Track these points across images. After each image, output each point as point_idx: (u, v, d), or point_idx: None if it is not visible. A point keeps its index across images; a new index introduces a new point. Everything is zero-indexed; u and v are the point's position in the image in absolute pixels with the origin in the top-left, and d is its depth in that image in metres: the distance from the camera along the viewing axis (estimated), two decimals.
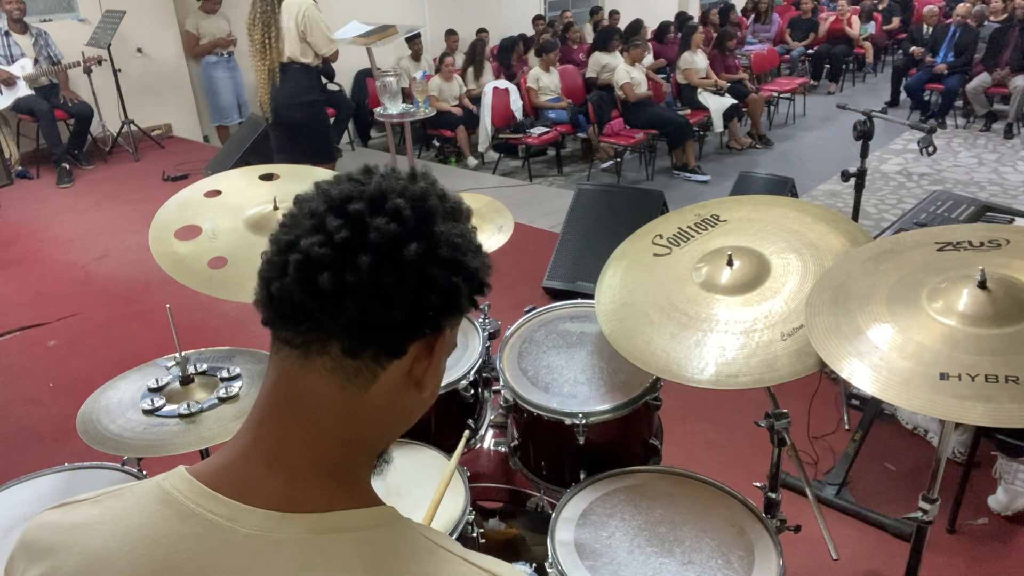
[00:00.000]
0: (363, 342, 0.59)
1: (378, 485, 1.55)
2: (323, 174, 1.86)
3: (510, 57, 8.20)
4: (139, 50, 6.78)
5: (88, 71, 6.05)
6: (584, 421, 1.55)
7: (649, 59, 7.87)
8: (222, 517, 0.56)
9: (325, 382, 0.60)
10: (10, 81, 5.87)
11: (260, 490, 0.58)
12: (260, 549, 0.55)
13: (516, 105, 7.27)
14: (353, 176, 0.63)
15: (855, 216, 2.98)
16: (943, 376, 1.06)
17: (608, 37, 7.76)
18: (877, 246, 1.35)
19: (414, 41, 7.63)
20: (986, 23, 8.45)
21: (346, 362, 0.60)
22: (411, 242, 0.58)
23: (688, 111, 7.17)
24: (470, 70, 7.77)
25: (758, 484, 1.59)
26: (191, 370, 1.51)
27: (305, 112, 4.45)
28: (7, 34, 5.93)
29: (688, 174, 6.73)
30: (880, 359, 1.12)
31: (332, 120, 6.12)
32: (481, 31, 8.33)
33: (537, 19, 9.09)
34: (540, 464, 1.73)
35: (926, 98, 8.19)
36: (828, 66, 9.89)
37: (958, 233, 1.31)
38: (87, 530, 0.58)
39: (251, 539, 0.55)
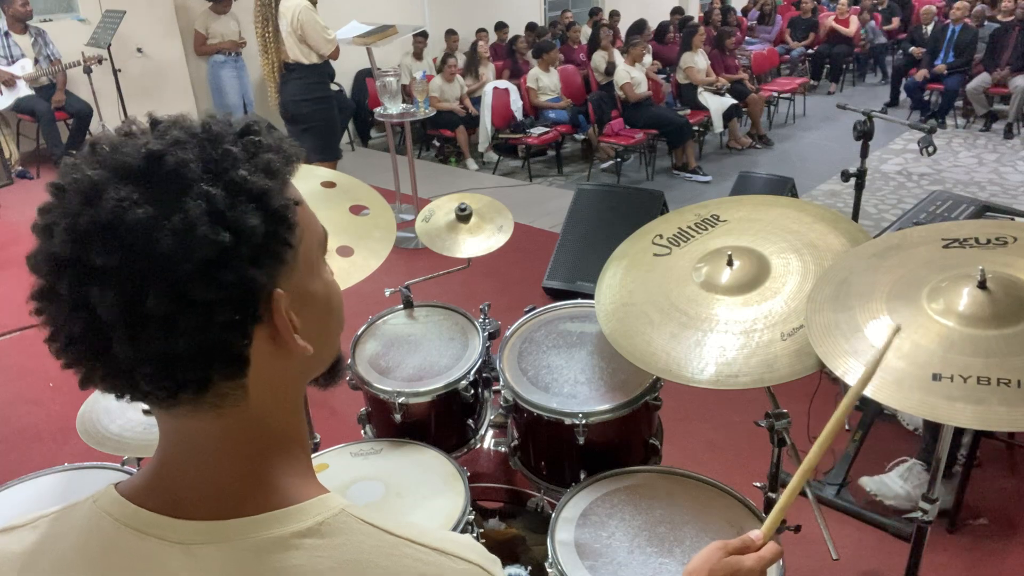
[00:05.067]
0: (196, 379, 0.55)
1: (378, 485, 1.55)
2: (324, 173, 1.86)
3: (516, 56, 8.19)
4: (139, 50, 6.77)
5: (88, 71, 6.05)
6: (584, 421, 1.55)
7: (648, 59, 7.87)
8: (154, 534, 0.56)
9: (198, 423, 0.57)
10: (11, 82, 5.87)
11: (188, 500, 0.57)
12: (197, 560, 0.54)
13: (516, 105, 7.26)
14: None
15: (855, 216, 2.98)
16: (935, 377, 1.05)
17: (597, 33, 7.77)
18: (883, 242, 1.33)
19: (418, 39, 7.62)
20: (985, 23, 8.44)
21: (204, 400, 0.56)
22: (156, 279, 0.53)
23: (688, 111, 7.16)
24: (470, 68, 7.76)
25: (758, 484, 1.59)
26: None
27: (313, 108, 4.54)
28: (7, 34, 5.92)
29: (688, 174, 6.72)
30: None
31: None
32: (481, 31, 8.32)
33: (530, 27, 8.99)
34: (540, 464, 1.73)
35: (926, 98, 8.18)
36: (828, 66, 9.89)
37: (965, 229, 1.28)
38: (27, 559, 0.58)
39: (186, 551, 0.55)
